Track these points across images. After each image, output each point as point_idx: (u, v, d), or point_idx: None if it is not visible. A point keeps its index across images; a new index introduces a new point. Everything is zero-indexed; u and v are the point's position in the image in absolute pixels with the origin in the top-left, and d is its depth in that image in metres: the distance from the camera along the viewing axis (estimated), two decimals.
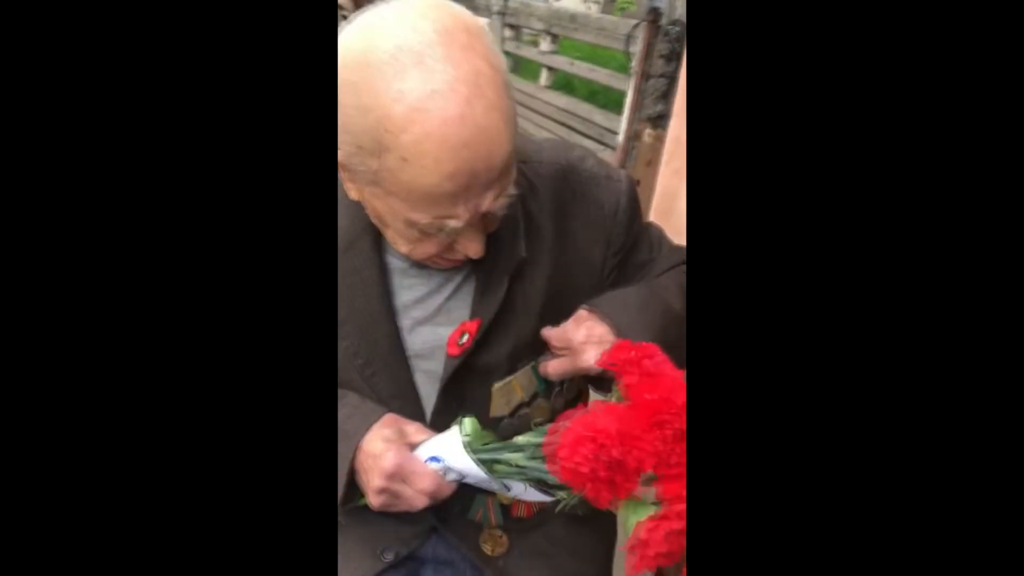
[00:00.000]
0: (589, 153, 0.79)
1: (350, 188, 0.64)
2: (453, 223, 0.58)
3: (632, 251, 0.81)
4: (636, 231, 0.80)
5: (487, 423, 0.74)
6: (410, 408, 0.74)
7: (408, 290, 0.73)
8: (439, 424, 0.73)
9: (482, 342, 0.73)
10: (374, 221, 0.67)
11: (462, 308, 0.74)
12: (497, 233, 0.69)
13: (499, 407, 0.76)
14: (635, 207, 0.78)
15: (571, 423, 0.54)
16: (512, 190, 0.61)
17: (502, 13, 4.57)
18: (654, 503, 0.54)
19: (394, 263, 0.73)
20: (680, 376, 0.57)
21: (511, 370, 0.75)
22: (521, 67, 4.91)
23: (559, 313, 0.74)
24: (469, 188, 0.56)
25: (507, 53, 4.71)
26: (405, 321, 0.74)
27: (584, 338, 0.69)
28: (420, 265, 0.72)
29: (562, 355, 0.72)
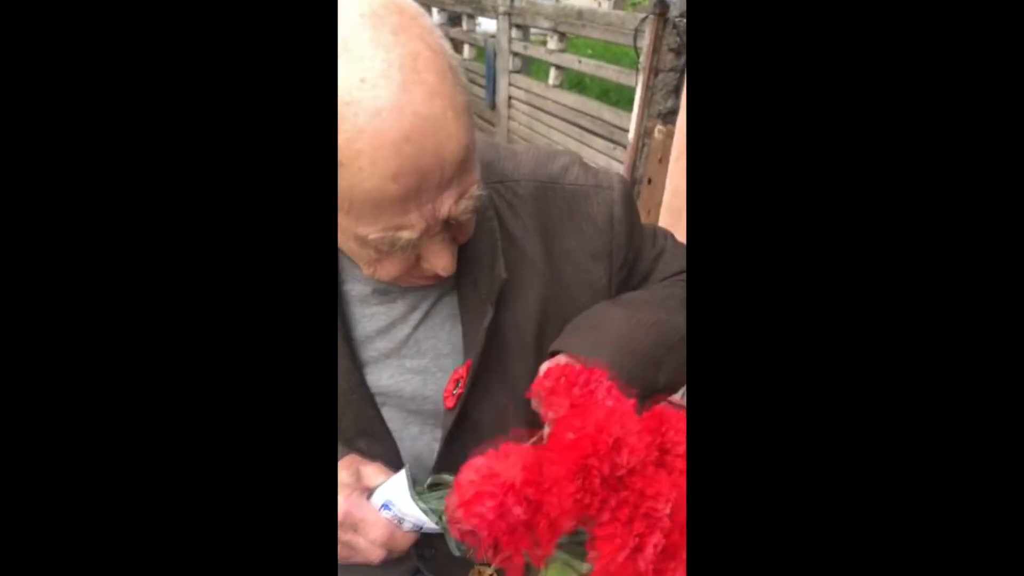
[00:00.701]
0: (573, 161, 0.70)
1: None
2: (407, 234, 0.50)
3: (636, 262, 0.73)
4: (637, 240, 0.72)
5: None
6: (379, 447, 0.68)
7: (369, 320, 0.66)
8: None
9: (476, 387, 0.65)
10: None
11: (432, 339, 0.66)
12: (474, 256, 0.62)
13: None
14: (631, 214, 0.70)
15: (473, 470, 0.44)
16: (477, 191, 0.52)
17: (508, 13, 4.51)
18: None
19: (354, 290, 0.65)
20: (625, 407, 0.47)
21: (523, 418, 0.67)
22: (530, 67, 4.85)
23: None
24: (420, 190, 0.48)
25: (515, 54, 4.66)
26: (369, 354, 0.66)
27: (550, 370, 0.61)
28: (383, 291, 0.64)
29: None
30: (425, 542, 0.72)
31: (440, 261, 0.55)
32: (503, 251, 0.64)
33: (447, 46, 0.49)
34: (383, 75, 0.44)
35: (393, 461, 0.68)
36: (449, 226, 0.54)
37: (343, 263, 0.65)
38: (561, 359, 0.62)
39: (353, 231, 0.51)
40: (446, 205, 0.51)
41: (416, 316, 0.66)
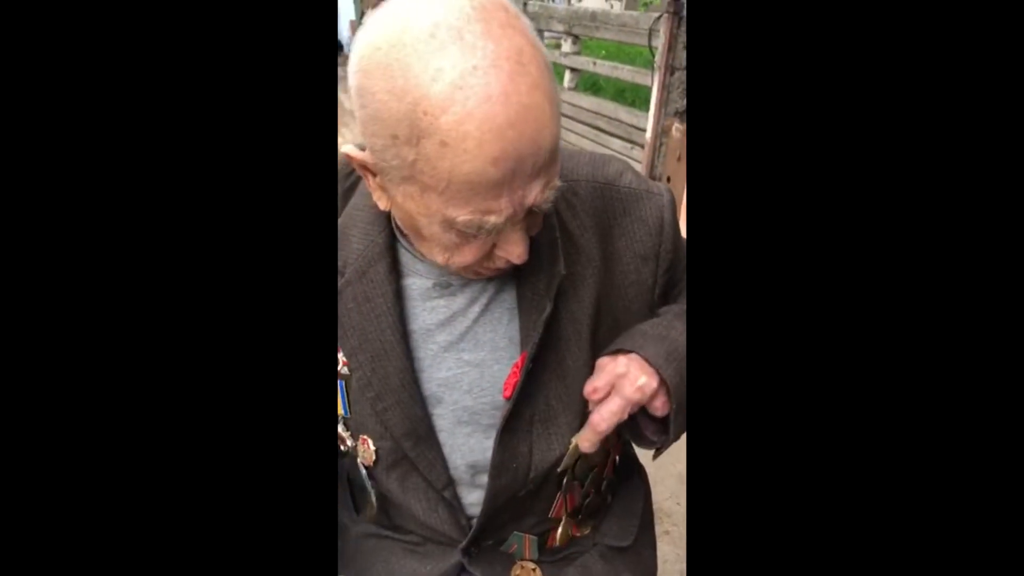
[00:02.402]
0: (626, 167, 0.74)
1: (379, 196, 0.59)
2: (494, 219, 0.53)
3: (677, 266, 0.75)
4: (679, 248, 0.75)
5: (551, 474, 0.70)
6: (425, 448, 0.70)
7: (430, 313, 0.68)
8: (497, 481, 0.69)
9: (532, 379, 0.67)
10: (407, 231, 0.63)
11: (490, 332, 0.69)
12: (535, 251, 0.64)
13: (571, 457, 0.71)
14: (677, 221, 0.73)
15: None
16: (558, 182, 0.56)
17: None
18: None
19: (414, 285, 0.68)
20: None
21: (575, 412, 0.70)
22: None
23: (610, 338, 0.69)
24: (515, 176, 0.51)
25: None
26: (430, 347, 0.69)
27: (624, 368, 0.64)
28: (443, 285, 0.67)
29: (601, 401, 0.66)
30: (471, 540, 0.73)
31: (516, 249, 0.58)
32: (562, 247, 0.67)
33: (542, 44, 0.53)
34: (493, 64, 0.48)
35: (437, 465, 0.70)
36: (530, 215, 0.57)
37: (404, 258, 0.68)
38: (634, 357, 0.64)
39: (443, 213, 0.53)
40: (533, 193, 0.53)
41: (476, 309, 0.68)
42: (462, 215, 0.52)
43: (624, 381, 0.63)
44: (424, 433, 0.69)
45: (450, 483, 0.72)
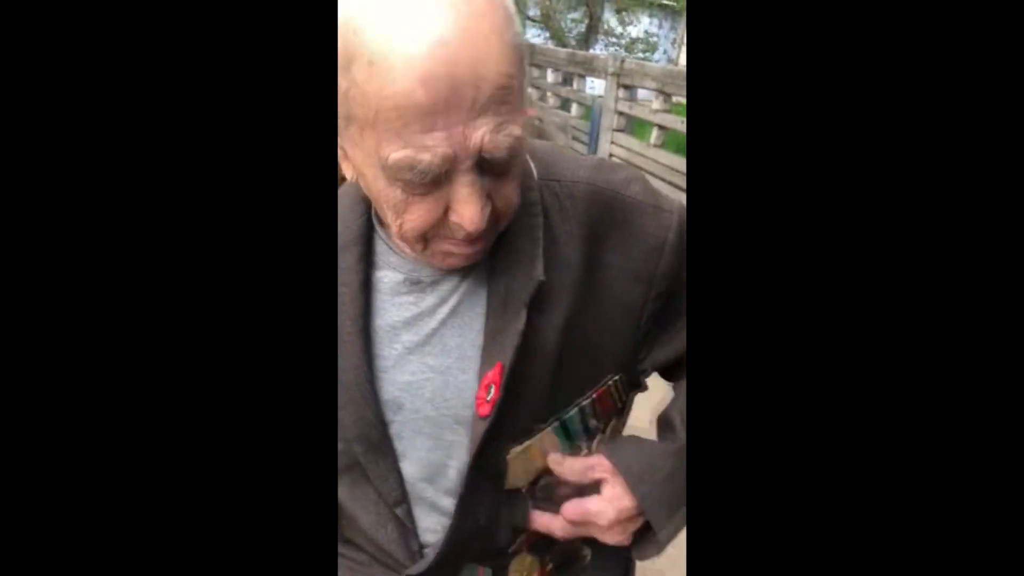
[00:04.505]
0: (638, 177, 0.66)
1: (345, 165, 0.55)
2: (428, 157, 0.47)
3: (672, 299, 0.66)
4: (682, 275, 0.66)
5: (505, 496, 0.66)
6: (375, 455, 0.64)
7: (398, 309, 0.63)
8: (470, 502, 0.64)
9: (507, 394, 0.60)
10: (370, 195, 0.58)
11: (458, 337, 0.62)
12: (512, 252, 0.60)
13: (517, 477, 0.65)
14: (684, 245, 0.65)
15: None
16: (516, 131, 0.49)
17: (616, 74, 4.62)
18: None
19: (385, 278, 0.63)
20: None
21: (528, 430, 0.64)
22: (635, 127, 4.90)
23: (580, 357, 0.63)
24: (449, 105, 0.45)
25: (620, 113, 4.74)
26: (394, 347, 0.63)
27: (614, 518, 0.63)
28: (414, 280, 0.62)
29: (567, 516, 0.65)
30: (426, 572, 0.66)
31: (467, 209, 0.51)
32: (543, 252, 0.61)
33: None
34: None
35: (390, 477, 0.65)
36: (483, 166, 0.50)
37: (379, 248, 0.64)
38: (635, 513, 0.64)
39: (378, 154, 0.48)
40: (478, 132, 0.47)
41: (444, 311, 0.62)
42: (394, 151, 0.47)
43: (600, 528, 0.63)
44: (376, 440, 0.63)
45: (404, 499, 0.66)
